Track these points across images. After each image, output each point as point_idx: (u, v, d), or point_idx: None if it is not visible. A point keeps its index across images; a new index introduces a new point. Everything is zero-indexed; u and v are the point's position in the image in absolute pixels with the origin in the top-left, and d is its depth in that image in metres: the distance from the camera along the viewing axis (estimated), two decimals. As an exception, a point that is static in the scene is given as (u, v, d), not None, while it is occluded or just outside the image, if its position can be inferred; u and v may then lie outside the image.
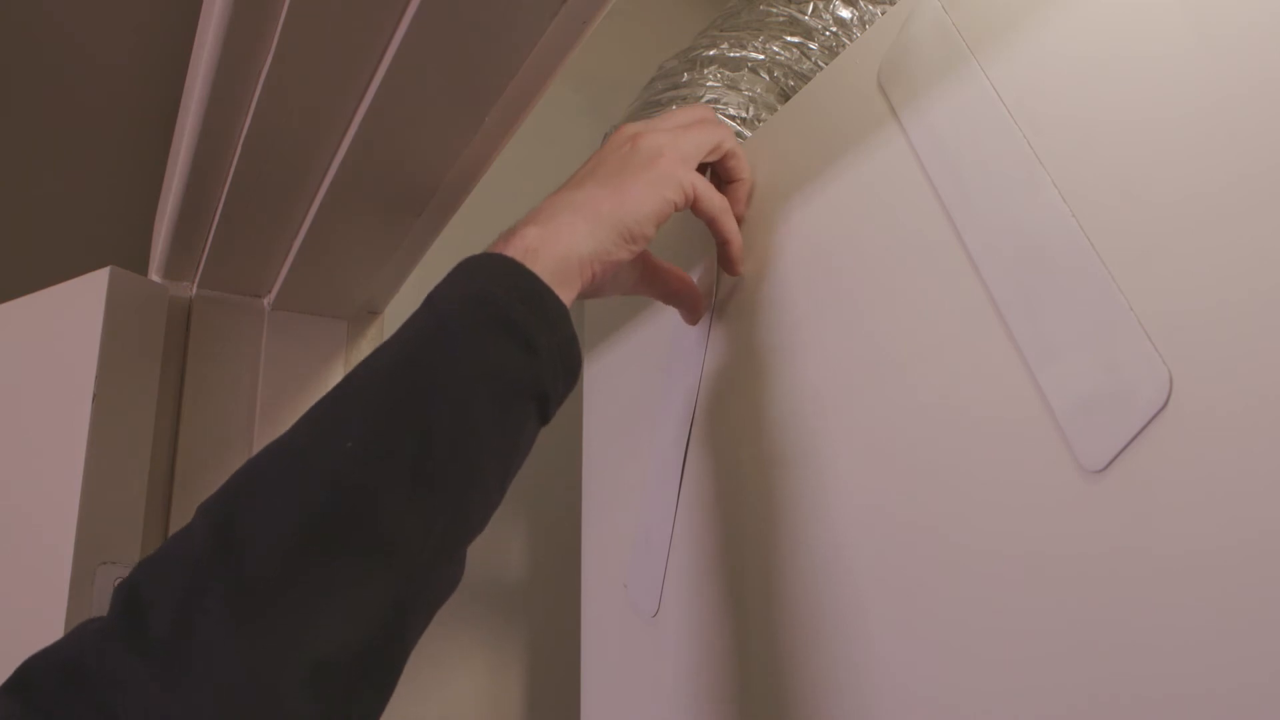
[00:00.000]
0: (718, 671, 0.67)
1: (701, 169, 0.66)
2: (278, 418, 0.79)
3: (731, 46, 0.88)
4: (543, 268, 0.53)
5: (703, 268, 0.74)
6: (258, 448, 0.78)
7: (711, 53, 0.89)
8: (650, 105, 0.91)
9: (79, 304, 0.73)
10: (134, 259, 0.81)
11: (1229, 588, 0.39)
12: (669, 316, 0.77)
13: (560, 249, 0.54)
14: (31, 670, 0.42)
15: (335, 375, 0.82)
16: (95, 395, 0.70)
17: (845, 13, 0.84)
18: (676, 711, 0.70)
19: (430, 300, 0.53)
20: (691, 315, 0.72)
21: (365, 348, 0.85)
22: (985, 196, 0.53)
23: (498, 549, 1.11)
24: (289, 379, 0.80)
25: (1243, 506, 0.39)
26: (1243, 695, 0.38)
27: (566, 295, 0.54)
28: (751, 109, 0.86)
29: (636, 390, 0.82)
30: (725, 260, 0.68)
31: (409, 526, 0.45)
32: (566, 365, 0.53)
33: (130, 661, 0.40)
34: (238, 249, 0.74)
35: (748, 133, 0.85)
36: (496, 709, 1.07)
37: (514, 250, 0.53)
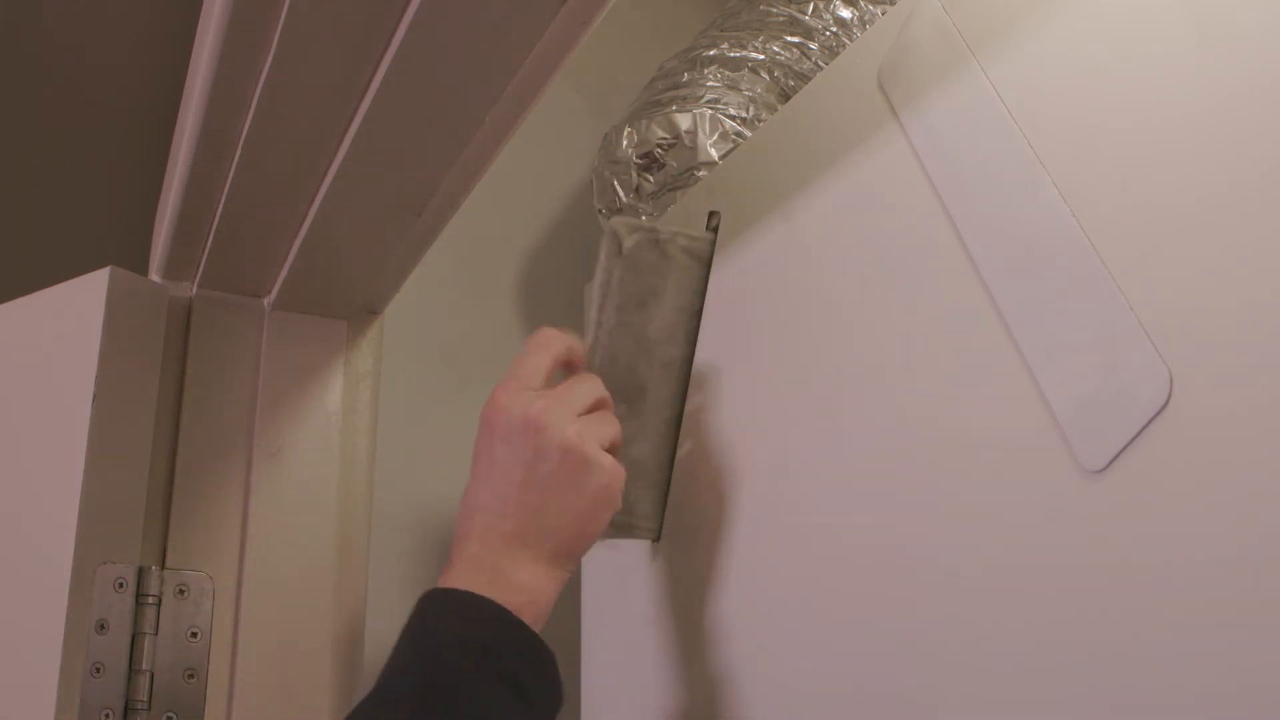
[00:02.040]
0: (717, 672, 0.67)
1: None
2: (278, 418, 0.79)
3: (732, 46, 0.88)
4: (534, 618, 0.56)
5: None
6: (258, 448, 0.78)
7: (712, 53, 0.89)
8: (650, 105, 0.91)
9: (79, 304, 0.73)
10: (134, 259, 0.81)
11: (1229, 587, 0.39)
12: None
13: (546, 602, 0.57)
14: None
15: (335, 375, 0.82)
16: (95, 395, 0.70)
17: (845, 13, 0.84)
18: (676, 711, 0.70)
19: (426, 639, 0.54)
20: None
21: (365, 348, 0.85)
22: (985, 197, 0.53)
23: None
24: (289, 379, 0.80)
25: (1242, 506, 0.39)
26: (1243, 695, 0.38)
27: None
28: (751, 109, 0.86)
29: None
30: None
31: None
32: (554, 712, 0.55)
33: None
34: (238, 249, 0.74)
35: (748, 133, 0.85)
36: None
37: (504, 595, 0.55)
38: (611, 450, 0.60)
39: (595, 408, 0.61)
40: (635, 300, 0.67)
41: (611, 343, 0.66)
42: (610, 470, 0.59)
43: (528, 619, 0.55)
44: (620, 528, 0.69)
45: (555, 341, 0.63)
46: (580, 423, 0.59)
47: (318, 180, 0.65)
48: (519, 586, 0.56)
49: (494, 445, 0.59)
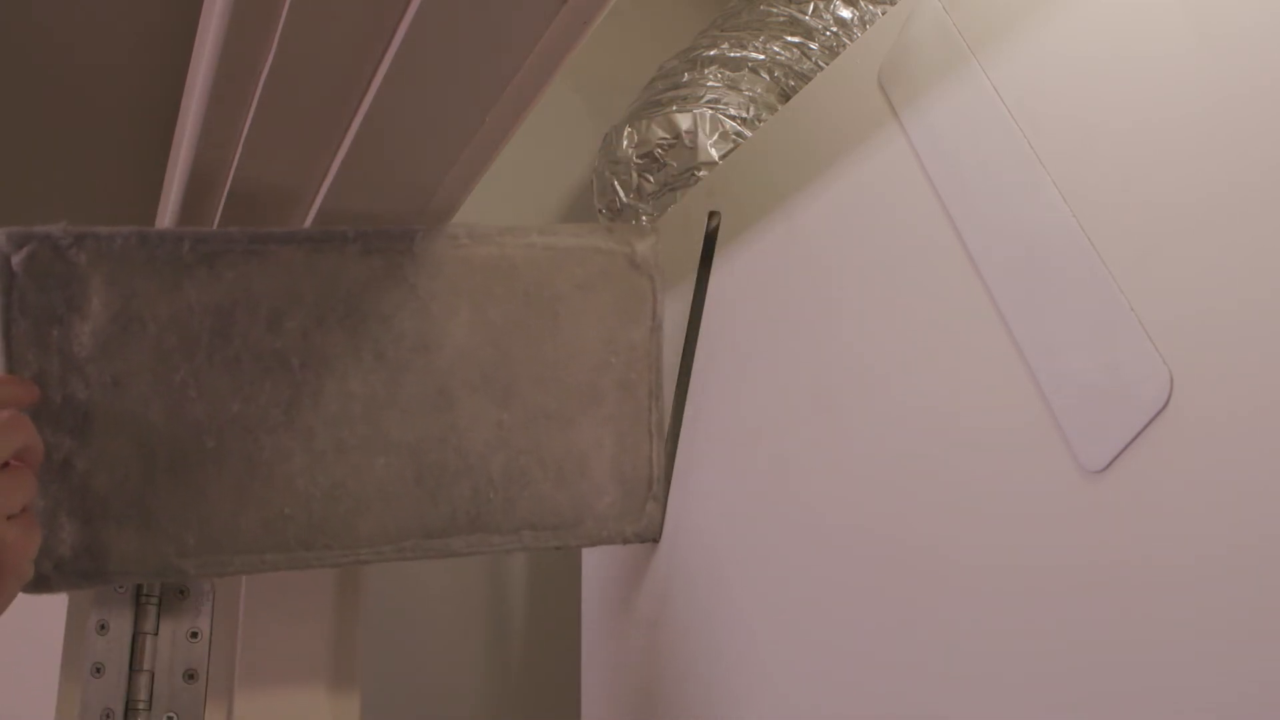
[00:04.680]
0: (716, 672, 0.67)
1: None
2: (278, 418, 0.79)
3: (732, 46, 0.88)
4: None
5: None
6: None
7: (712, 53, 0.89)
8: (650, 105, 0.91)
9: (79, 304, 0.73)
10: (134, 259, 0.81)
11: (1229, 587, 0.39)
12: (668, 317, 0.77)
13: None
14: None
15: (335, 375, 0.82)
16: (95, 395, 0.70)
17: (845, 13, 0.84)
18: (676, 711, 0.70)
19: None
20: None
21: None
22: (986, 197, 0.53)
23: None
24: (289, 379, 0.80)
25: (1242, 506, 0.39)
26: (1243, 695, 0.38)
27: None
28: (751, 109, 0.86)
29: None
30: None
31: None
32: None
33: None
34: (238, 249, 0.74)
35: (748, 133, 0.85)
36: (497, 708, 1.07)
37: None
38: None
39: (19, 454, 0.52)
40: (49, 317, 0.60)
41: (22, 367, 0.60)
42: (13, 544, 0.50)
43: None
44: (83, 575, 0.61)
45: None
46: None
47: (318, 180, 0.65)
48: None
49: None
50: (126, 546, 0.61)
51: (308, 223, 0.69)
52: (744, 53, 0.87)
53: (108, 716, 0.67)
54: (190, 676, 0.71)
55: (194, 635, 0.72)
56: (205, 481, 0.62)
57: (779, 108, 0.85)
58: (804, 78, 0.85)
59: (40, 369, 0.60)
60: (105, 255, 0.61)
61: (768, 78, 0.86)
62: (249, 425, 0.63)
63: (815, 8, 0.85)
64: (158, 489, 0.62)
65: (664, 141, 0.87)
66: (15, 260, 0.59)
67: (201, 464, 0.62)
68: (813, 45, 0.85)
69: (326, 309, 0.65)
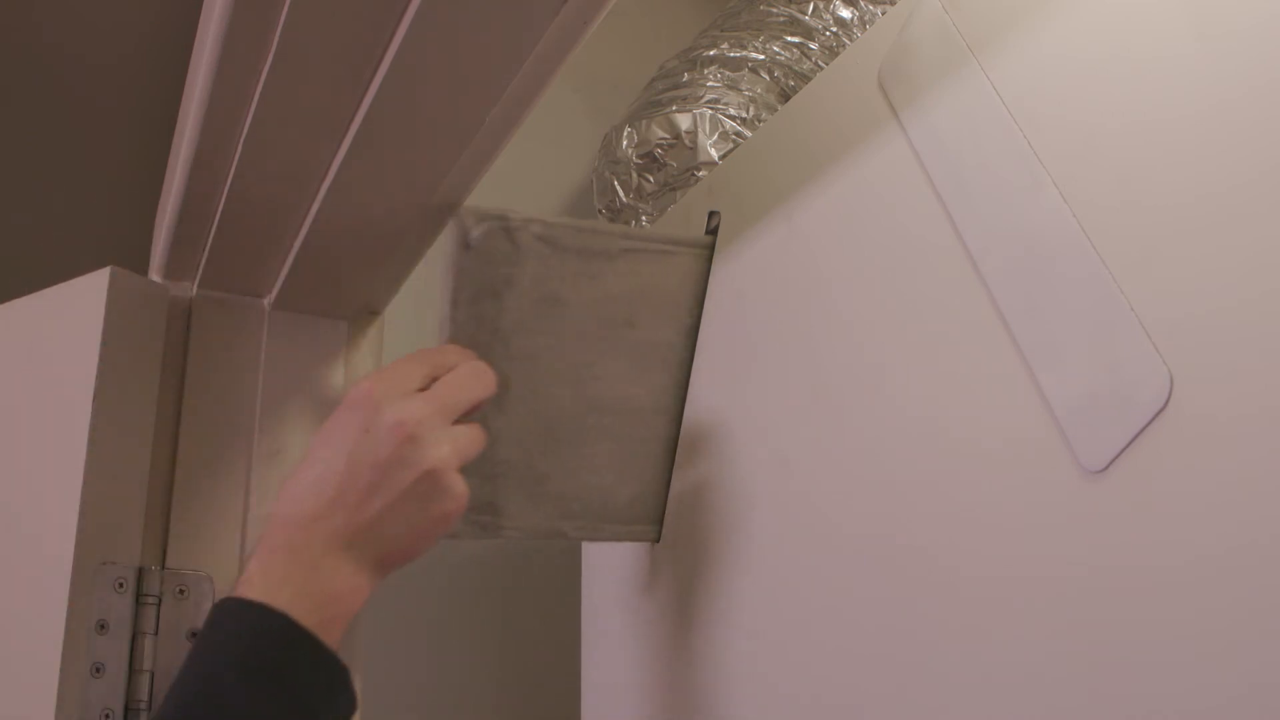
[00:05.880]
0: (717, 672, 0.67)
1: None
2: (278, 418, 0.79)
3: (732, 46, 0.88)
4: (340, 630, 0.53)
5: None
6: (258, 447, 0.78)
7: (712, 53, 0.89)
8: (650, 105, 0.91)
9: (79, 304, 0.73)
10: (134, 259, 0.81)
11: (1229, 588, 0.39)
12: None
13: (354, 611, 0.54)
14: None
15: (335, 375, 0.82)
16: (95, 395, 0.70)
17: (845, 13, 0.84)
18: (676, 711, 0.70)
19: (210, 657, 0.51)
20: None
21: (365, 348, 0.85)
22: (986, 197, 0.53)
23: (498, 549, 1.11)
24: (289, 379, 0.80)
25: (1242, 506, 0.39)
26: (1243, 696, 0.38)
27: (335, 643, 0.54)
28: (751, 109, 0.86)
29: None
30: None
31: None
32: None
33: None
34: (238, 249, 0.74)
35: (748, 133, 0.85)
36: (497, 708, 1.07)
37: (312, 605, 0.52)
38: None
39: (470, 411, 0.58)
40: (488, 291, 0.65)
41: (461, 336, 0.64)
42: (459, 498, 0.56)
43: (334, 632, 0.52)
44: (482, 527, 0.66)
45: (438, 355, 0.60)
46: (452, 442, 0.56)
47: (318, 180, 0.65)
48: (332, 596, 0.53)
49: (347, 436, 0.55)
50: (520, 507, 0.67)
51: (307, 222, 0.69)
52: (744, 53, 0.87)
53: (107, 716, 0.67)
54: (190, 676, 0.71)
55: (194, 635, 0.72)
56: (594, 455, 0.69)
57: (779, 108, 0.85)
58: (804, 78, 0.85)
59: (472, 338, 0.64)
60: (544, 239, 0.66)
61: (768, 78, 0.86)
62: (639, 407, 0.70)
63: (815, 8, 0.85)
64: (552, 457, 0.68)
65: (664, 141, 0.87)
66: (474, 235, 0.64)
67: (594, 440, 0.69)
68: (813, 45, 0.85)
69: (698, 309, 0.73)
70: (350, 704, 0.53)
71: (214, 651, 0.51)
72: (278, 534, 0.54)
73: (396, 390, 0.56)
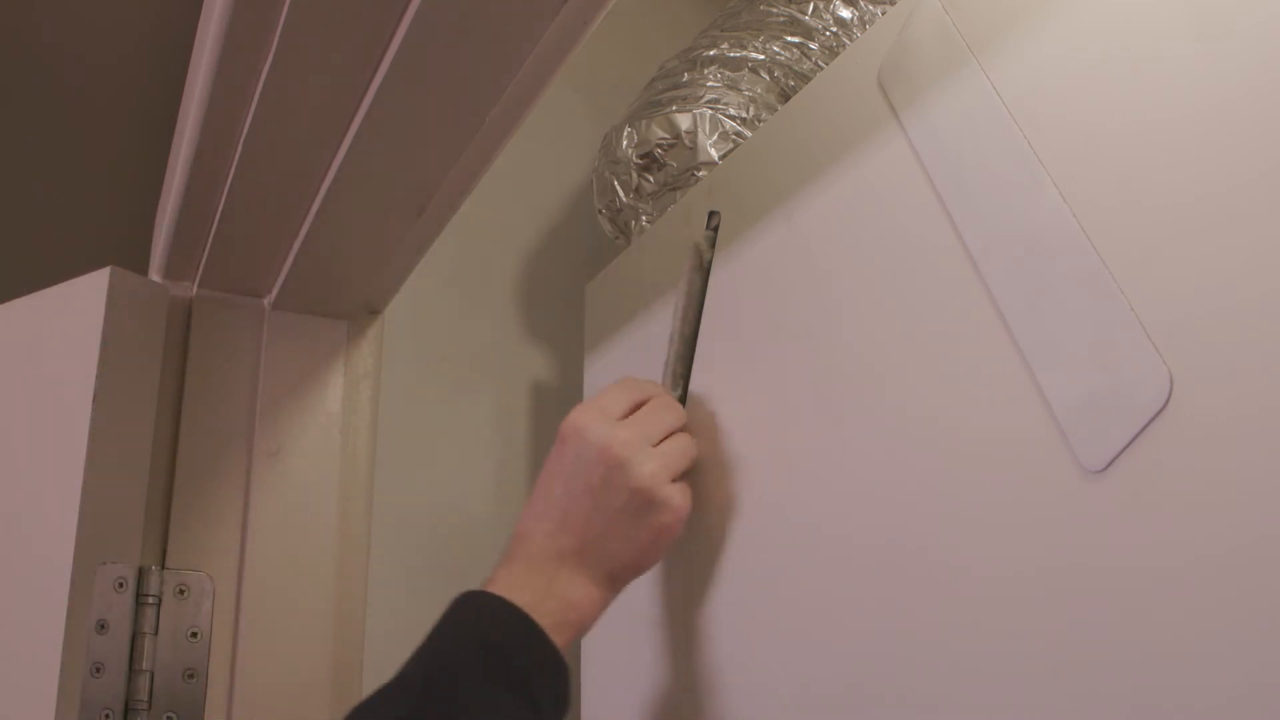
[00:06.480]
0: (717, 672, 0.67)
1: None
2: (278, 418, 0.79)
3: (732, 46, 0.88)
4: (572, 634, 0.57)
5: (688, 266, 0.74)
6: (258, 448, 0.78)
7: (712, 53, 0.89)
8: (650, 105, 0.91)
9: (79, 304, 0.73)
10: (134, 259, 0.81)
11: (1230, 588, 0.39)
12: (667, 316, 0.77)
13: (589, 621, 0.59)
14: None
15: (335, 375, 0.82)
16: (95, 395, 0.70)
17: (845, 13, 0.84)
18: (676, 711, 0.70)
19: (447, 637, 0.56)
20: None
21: (365, 348, 0.85)
22: (986, 197, 0.53)
23: (498, 548, 1.10)
24: (289, 379, 0.80)
25: (1242, 506, 0.39)
26: (1243, 696, 0.38)
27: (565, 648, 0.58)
28: (751, 109, 0.86)
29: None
30: None
31: None
32: None
33: None
34: (238, 249, 0.74)
35: (748, 133, 0.85)
36: (496, 709, 1.07)
37: (551, 607, 0.56)
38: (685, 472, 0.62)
39: (673, 431, 0.63)
40: (697, 310, 0.71)
41: (688, 351, 0.70)
42: (677, 508, 0.60)
43: (566, 635, 0.57)
44: None
45: (639, 385, 0.65)
46: (658, 459, 0.60)
47: (318, 180, 0.65)
48: (570, 603, 0.58)
49: (564, 464, 0.60)
50: None
51: (307, 222, 0.69)
52: (744, 53, 0.87)
53: (107, 716, 0.67)
54: (190, 676, 0.71)
55: (194, 635, 0.72)
56: None
57: (779, 108, 0.84)
58: (804, 78, 0.85)
59: (691, 357, 0.71)
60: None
61: (768, 78, 0.86)
62: None
63: (815, 8, 0.85)
64: None
65: (664, 141, 0.87)
66: (708, 258, 0.71)
67: None
68: (813, 45, 0.85)
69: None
70: (566, 704, 0.57)
71: (454, 629, 0.56)
72: (517, 550, 0.60)
73: (600, 418, 0.61)
